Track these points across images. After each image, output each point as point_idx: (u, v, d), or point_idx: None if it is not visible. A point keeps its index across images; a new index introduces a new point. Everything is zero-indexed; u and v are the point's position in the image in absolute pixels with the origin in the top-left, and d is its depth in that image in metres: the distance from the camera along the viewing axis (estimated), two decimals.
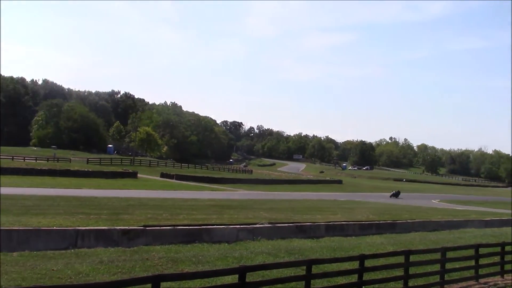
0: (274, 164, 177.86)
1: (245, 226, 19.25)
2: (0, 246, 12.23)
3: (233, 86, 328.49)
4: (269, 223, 20.62)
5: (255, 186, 63.18)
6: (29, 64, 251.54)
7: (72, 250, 13.67)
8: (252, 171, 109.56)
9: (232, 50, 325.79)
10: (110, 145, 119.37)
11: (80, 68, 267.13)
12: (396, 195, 58.82)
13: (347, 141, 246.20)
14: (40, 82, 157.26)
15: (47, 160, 65.74)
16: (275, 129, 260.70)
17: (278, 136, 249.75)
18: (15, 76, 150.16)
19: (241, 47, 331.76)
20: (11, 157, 61.87)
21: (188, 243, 16.14)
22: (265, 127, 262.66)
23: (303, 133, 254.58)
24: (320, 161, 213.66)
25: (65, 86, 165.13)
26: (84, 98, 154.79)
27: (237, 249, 15.90)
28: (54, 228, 15.13)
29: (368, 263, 12.60)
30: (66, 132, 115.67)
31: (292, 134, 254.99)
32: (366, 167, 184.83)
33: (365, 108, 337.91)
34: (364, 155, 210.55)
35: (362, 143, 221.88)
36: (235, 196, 43.38)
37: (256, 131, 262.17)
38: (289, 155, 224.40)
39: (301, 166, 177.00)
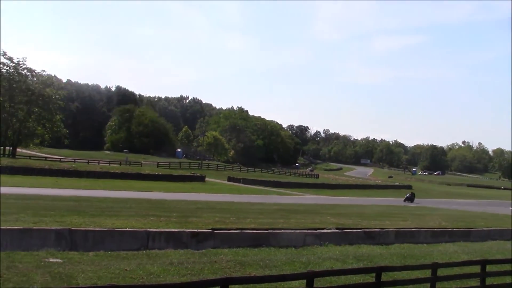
0: (341, 168, 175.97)
1: (312, 231, 19.08)
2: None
3: (299, 90, 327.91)
4: (336, 229, 20.34)
5: (321, 191, 62.62)
6: (103, 71, 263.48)
7: (144, 251, 14.03)
8: (318, 175, 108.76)
9: (298, 54, 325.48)
10: (179, 149, 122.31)
11: (150, 75, 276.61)
12: (410, 199, 51.50)
13: (417, 145, 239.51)
14: (113, 89, 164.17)
15: (120, 164, 68.24)
16: (341, 133, 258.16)
17: (344, 140, 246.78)
18: (90, 83, 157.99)
19: (307, 52, 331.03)
20: (86, 161, 64.76)
21: (255, 246, 16.19)
22: (332, 131, 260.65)
23: (371, 137, 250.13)
24: (388, 165, 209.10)
25: (137, 92, 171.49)
26: (154, 104, 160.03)
27: (304, 254, 15.78)
28: (127, 229, 15.59)
29: (441, 272, 12.13)
30: (137, 137, 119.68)
31: (359, 138, 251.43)
32: (437, 172, 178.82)
33: (435, 111, 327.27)
34: (435, 159, 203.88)
35: (433, 147, 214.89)
36: (301, 200, 43.16)
37: (323, 135, 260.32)
38: (356, 160, 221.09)
39: (369, 170, 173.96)
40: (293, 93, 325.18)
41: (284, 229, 18.69)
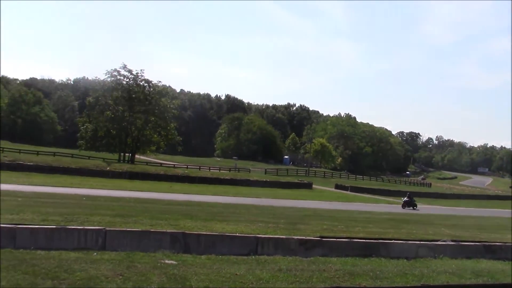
0: (455, 177, 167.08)
1: (425, 242, 18.18)
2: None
3: (409, 95, 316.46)
4: (452, 241, 19.21)
5: (434, 201, 59.71)
6: (214, 80, 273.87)
7: (253, 257, 14.19)
8: (430, 184, 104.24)
9: (408, 58, 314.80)
10: (286, 156, 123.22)
11: (258, 83, 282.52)
12: (409, 203, 41.54)
13: None
14: (223, 98, 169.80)
15: (229, 170, 70.11)
16: (456, 139, 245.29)
17: (459, 148, 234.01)
18: (201, 92, 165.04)
19: (418, 55, 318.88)
20: (198, 167, 67.41)
21: (365, 256, 15.75)
22: (445, 137, 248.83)
23: (489, 144, 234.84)
24: (509, 175, 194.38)
25: (245, 100, 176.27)
26: (262, 111, 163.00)
27: (417, 267, 15.07)
28: (237, 234, 15.90)
29: None
30: (246, 144, 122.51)
31: (475, 145, 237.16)
32: None
33: None
34: None
35: None
36: (412, 210, 41.45)
37: (435, 142, 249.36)
38: (472, 168, 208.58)
39: (487, 180, 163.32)
40: (403, 99, 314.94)
41: (395, 239, 18.02)
